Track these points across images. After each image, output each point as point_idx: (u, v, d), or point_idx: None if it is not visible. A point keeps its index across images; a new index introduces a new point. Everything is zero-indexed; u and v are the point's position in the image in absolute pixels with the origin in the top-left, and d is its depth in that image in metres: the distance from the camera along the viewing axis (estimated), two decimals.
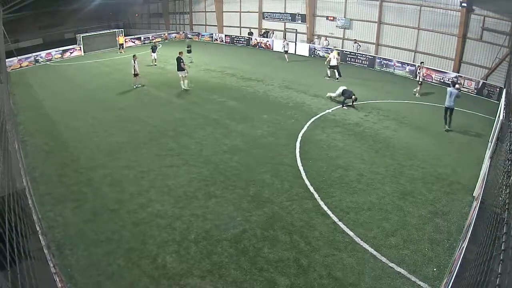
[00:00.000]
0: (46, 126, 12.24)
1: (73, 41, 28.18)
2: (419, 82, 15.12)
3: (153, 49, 22.28)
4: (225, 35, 31.52)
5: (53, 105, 14.56)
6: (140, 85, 17.01)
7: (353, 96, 13.27)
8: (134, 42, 31.71)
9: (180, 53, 16.18)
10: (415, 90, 15.36)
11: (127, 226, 6.80)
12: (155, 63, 22.21)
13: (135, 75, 16.73)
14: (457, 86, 11.33)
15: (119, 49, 28.00)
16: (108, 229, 6.71)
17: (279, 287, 5.34)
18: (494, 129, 7.62)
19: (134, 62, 16.51)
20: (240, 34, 30.85)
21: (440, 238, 6.35)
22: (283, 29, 26.70)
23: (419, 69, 15.23)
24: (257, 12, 29.05)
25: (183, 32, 36.10)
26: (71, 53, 26.62)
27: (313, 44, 24.76)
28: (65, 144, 10.71)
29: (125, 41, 30.60)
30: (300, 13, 25.35)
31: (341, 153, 9.73)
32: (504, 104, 7.63)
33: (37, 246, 3.41)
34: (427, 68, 17.91)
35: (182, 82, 16.28)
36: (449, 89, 11.11)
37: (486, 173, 6.53)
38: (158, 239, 6.41)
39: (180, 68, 15.82)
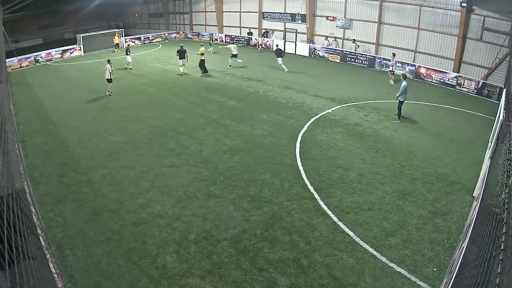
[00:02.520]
0: (46, 126, 12.24)
1: (73, 41, 28.18)
2: (392, 72, 17.32)
3: (127, 52, 21.33)
4: (225, 35, 31.53)
5: (53, 105, 14.56)
6: (111, 93, 15.81)
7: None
8: (134, 42, 31.72)
9: (182, 46, 19.33)
10: (391, 81, 17.31)
11: (127, 226, 6.80)
12: (130, 67, 21.07)
13: (109, 80, 15.46)
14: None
15: (115, 48, 28.04)
16: (108, 229, 6.71)
17: (279, 287, 5.34)
18: (494, 129, 7.61)
19: (111, 67, 15.36)
20: (240, 34, 30.86)
21: (440, 238, 6.35)
22: (283, 29, 26.72)
23: (392, 60, 17.52)
24: (257, 12, 29.05)
25: (183, 32, 36.11)
26: (71, 53, 26.62)
27: (313, 44, 24.77)
28: (65, 144, 10.71)
29: (125, 41, 30.64)
30: (300, 13, 25.35)
31: (341, 153, 9.73)
32: (504, 104, 7.62)
33: (37, 246, 3.41)
34: (427, 68, 17.96)
35: (181, 67, 19.37)
36: (406, 83, 11.67)
37: (486, 173, 6.52)
38: (158, 239, 6.41)
39: (182, 57, 18.99)
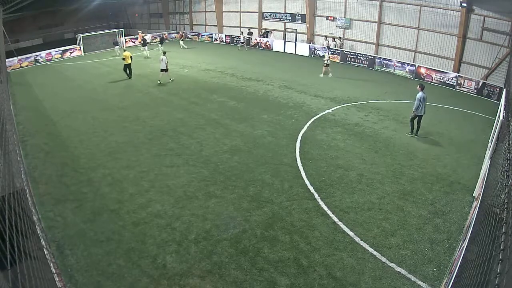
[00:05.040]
0: (46, 126, 12.25)
1: (73, 41, 28.20)
2: (325, 64, 18.40)
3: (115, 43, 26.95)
4: (225, 35, 31.54)
5: (53, 105, 14.56)
6: (172, 79, 18.08)
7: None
8: (134, 42, 31.74)
9: (144, 36, 25.84)
10: (321, 74, 18.67)
11: (127, 226, 6.80)
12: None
13: (165, 70, 17.35)
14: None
15: (142, 46, 28.01)
16: (108, 229, 6.71)
17: (279, 287, 5.34)
18: (494, 129, 7.62)
19: (166, 59, 17.19)
20: (240, 34, 30.87)
21: (440, 238, 6.35)
22: (283, 29, 26.74)
23: (327, 53, 18.91)
24: (257, 12, 29.06)
25: (183, 32, 36.11)
26: (71, 53, 26.63)
27: (313, 44, 24.79)
28: (65, 144, 10.72)
29: (125, 41, 30.75)
30: (300, 13, 25.37)
31: (341, 153, 9.74)
32: (504, 104, 7.62)
33: (37, 246, 3.41)
34: (427, 68, 17.98)
35: (145, 52, 25.20)
36: (422, 94, 10.16)
37: (486, 173, 6.53)
38: (158, 239, 6.41)
39: (145, 44, 25.37)
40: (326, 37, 23.91)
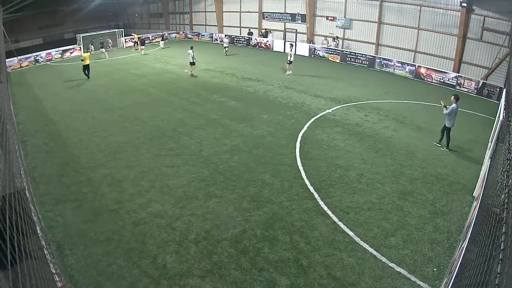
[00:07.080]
0: (46, 126, 12.24)
1: (73, 41, 28.20)
2: (288, 62, 18.76)
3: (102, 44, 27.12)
4: (225, 35, 31.50)
5: (52, 105, 14.56)
6: (193, 74, 19.22)
7: None
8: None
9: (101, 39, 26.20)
10: (288, 73, 18.96)
11: (127, 226, 6.80)
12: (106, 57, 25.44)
13: (192, 63, 18.80)
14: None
15: (137, 46, 28.24)
16: (108, 229, 6.71)
17: (279, 287, 5.34)
18: (494, 129, 7.62)
19: (193, 53, 18.57)
20: (240, 34, 30.87)
21: (440, 238, 6.35)
22: (283, 29, 26.74)
23: (291, 51, 18.77)
24: (257, 12, 29.06)
25: (183, 32, 36.12)
26: (71, 53, 26.61)
27: (313, 44, 24.78)
28: (65, 144, 10.71)
29: (126, 41, 30.78)
30: (300, 13, 25.37)
31: (341, 153, 9.74)
32: (504, 104, 7.63)
33: (37, 246, 3.41)
34: (427, 68, 17.99)
35: (104, 53, 25.32)
36: (457, 106, 9.46)
37: (486, 173, 6.53)
38: (158, 239, 6.41)
39: (102, 46, 26.24)
40: (326, 37, 23.90)
